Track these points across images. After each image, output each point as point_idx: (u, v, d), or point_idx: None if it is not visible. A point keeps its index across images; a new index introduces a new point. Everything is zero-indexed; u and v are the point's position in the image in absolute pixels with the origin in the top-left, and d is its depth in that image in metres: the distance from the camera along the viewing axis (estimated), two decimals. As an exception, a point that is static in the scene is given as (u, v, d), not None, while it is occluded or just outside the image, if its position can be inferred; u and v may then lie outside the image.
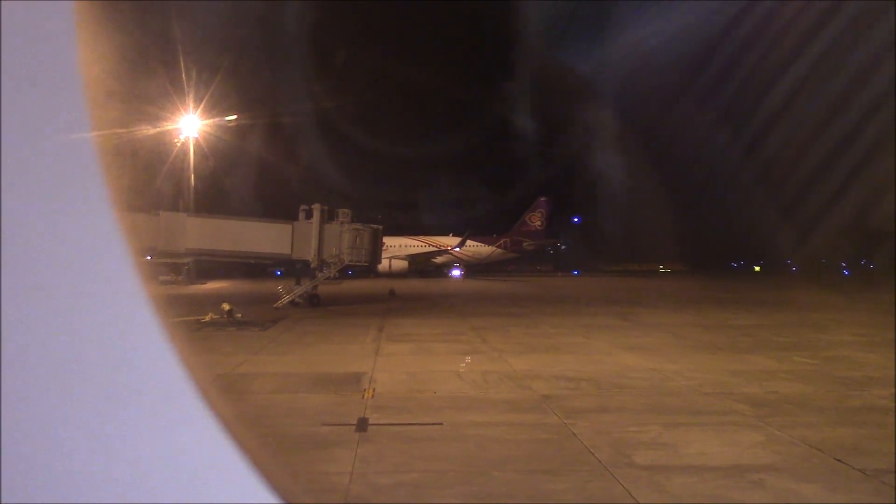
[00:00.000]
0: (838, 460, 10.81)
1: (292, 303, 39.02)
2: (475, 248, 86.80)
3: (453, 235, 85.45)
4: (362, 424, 12.88)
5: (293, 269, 44.58)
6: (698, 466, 10.57)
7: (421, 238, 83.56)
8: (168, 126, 48.14)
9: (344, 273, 45.58)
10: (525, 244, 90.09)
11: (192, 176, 52.27)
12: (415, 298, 49.44)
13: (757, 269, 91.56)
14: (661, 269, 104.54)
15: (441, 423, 13.13)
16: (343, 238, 39.44)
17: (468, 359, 21.32)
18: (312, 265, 39.74)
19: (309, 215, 39.42)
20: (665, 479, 9.86)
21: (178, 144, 49.23)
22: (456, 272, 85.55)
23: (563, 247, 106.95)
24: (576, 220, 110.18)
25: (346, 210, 40.18)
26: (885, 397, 15.68)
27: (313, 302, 39.51)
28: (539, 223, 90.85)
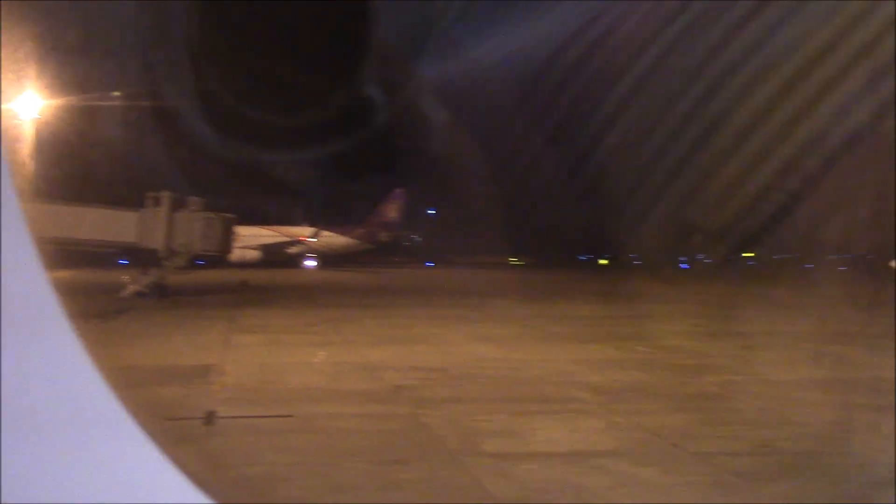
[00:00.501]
0: (674, 444, 11.39)
1: (138, 293, 37.41)
2: (330, 238, 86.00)
3: (308, 226, 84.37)
4: (210, 418, 12.54)
5: (140, 258, 42.79)
6: (544, 453, 10.89)
7: (275, 228, 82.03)
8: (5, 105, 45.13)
9: (194, 263, 44.17)
10: (380, 235, 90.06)
11: (30, 159, 49.38)
12: (267, 289, 48.60)
13: (603, 262, 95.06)
14: (514, 261, 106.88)
15: (292, 416, 12.97)
16: (193, 227, 38.20)
17: (321, 350, 21.16)
18: (161, 254, 38.29)
19: (158, 203, 37.97)
20: (512, 466, 10.10)
21: (21, 126, 46.34)
22: (310, 263, 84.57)
23: (418, 238, 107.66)
24: (431, 212, 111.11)
25: (196, 198, 38.94)
26: (716, 384, 16.64)
27: (161, 292, 38.00)
28: (394, 215, 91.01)
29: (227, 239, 40.80)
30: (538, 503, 8.89)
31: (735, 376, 17.77)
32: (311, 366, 18.26)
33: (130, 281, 38.32)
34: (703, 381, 17.02)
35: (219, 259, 46.94)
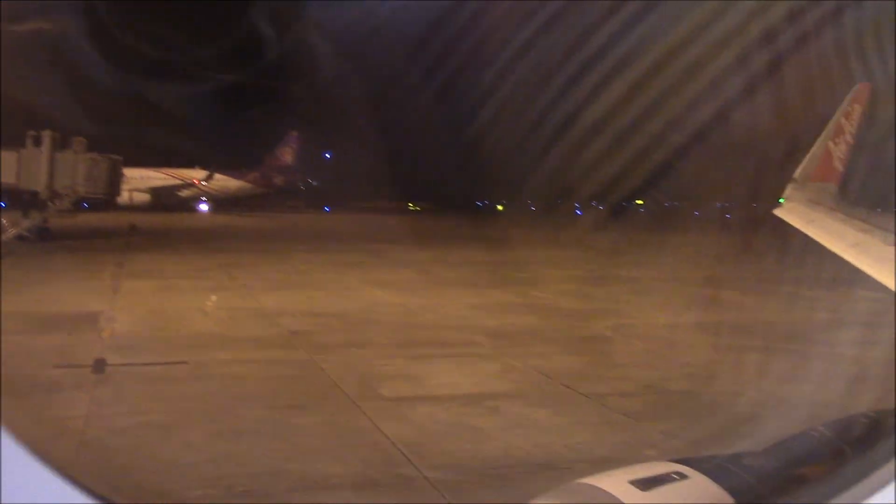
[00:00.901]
0: (566, 386, 11.73)
1: (20, 237, 35.72)
2: (223, 182, 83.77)
3: (200, 168, 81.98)
4: (99, 366, 12.19)
5: (20, 200, 40.78)
6: (440, 396, 11.05)
7: (165, 170, 79.36)
8: None
9: (79, 206, 42.39)
10: (276, 179, 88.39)
11: None
12: (158, 234, 47.22)
13: (500, 207, 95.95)
14: (411, 206, 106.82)
15: (185, 362, 12.74)
16: (77, 168, 36.59)
17: (214, 296, 20.78)
18: (42, 196, 36.59)
19: (38, 142, 36.15)
20: (409, 410, 10.22)
21: None
22: (203, 207, 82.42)
23: (314, 183, 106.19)
24: (327, 155, 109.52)
25: (80, 138, 37.20)
26: (607, 328, 17.17)
27: (44, 236, 36.36)
28: (290, 158, 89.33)
29: (113, 181, 39.29)
30: (435, 444, 9.03)
31: (625, 320, 18.35)
32: (204, 312, 17.93)
33: (10, 224, 36.55)
34: (595, 325, 17.53)
35: (105, 202, 45.15)
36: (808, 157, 13.11)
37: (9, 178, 35.47)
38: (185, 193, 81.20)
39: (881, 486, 1.57)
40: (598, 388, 11.72)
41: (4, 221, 37.22)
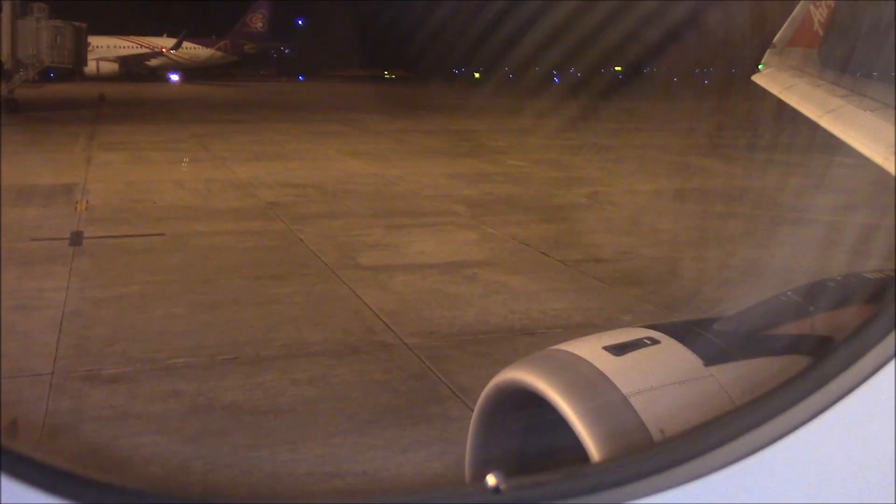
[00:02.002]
0: (543, 253, 11.88)
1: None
2: (193, 50, 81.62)
3: (168, 36, 79.59)
4: (76, 238, 12.17)
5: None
6: (418, 265, 11.18)
7: (132, 38, 76.99)
8: None
9: (45, 76, 41.30)
10: (246, 47, 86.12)
11: None
12: (128, 104, 46.24)
13: (477, 75, 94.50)
14: (386, 74, 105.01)
15: (163, 234, 12.75)
16: (41, 36, 35.42)
17: (188, 166, 20.60)
18: (6, 66, 35.53)
19: (-3, 9, 34.82)
20: (388, 278, 10.35)
21: None
22: (173, 76, 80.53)
23: (286, 50, 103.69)
24: (300, 22, 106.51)
25: (41, 4, 35.86)
26: (584, 195, 17.25)
27: (11, 107, 35.51)
28: (261, 25, 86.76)
29: (79, 50, 38.21)
30: (414, 312, 9.19)
31: (602, 187, 18.42)
32: (180, 183, 17.78)
33: (-25, 96, 35.65)
34: (572, 193, 17.60)
35: (72, 72, 44.06)
36: (787, 21, 12.90)
37: (-31, 49, 34.36)
38: (153, 62, 79.14)
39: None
40: (575, 254, 11.88)
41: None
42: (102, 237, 12.45)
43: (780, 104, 9.93)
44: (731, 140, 27.85)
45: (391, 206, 15.71)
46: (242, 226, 13.63)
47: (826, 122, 8.26)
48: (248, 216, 14.43)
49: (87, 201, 15.20)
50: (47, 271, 10.32)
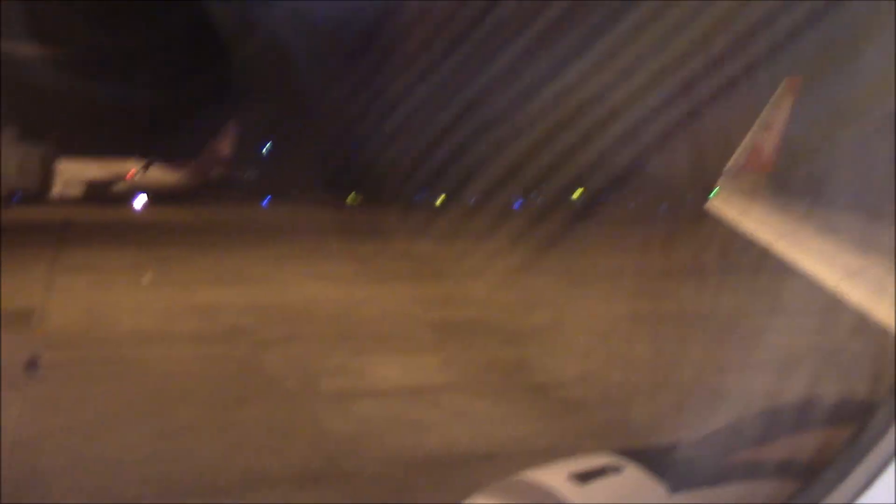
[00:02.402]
0: (507, 377, 11.84)
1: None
2: (160, 174, 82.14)
3: (136, 160, 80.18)
4: (32, 364, 11.90)
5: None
6: (381, 390, 11.07)
7: (100, 162, 77.46)
8: None
9: (10, 199, 41.27)
10: (213, 171, 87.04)
11: None
12: (93, 227, 46.13)
13: (440, 200, 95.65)
14: (350, 199, 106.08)
15: (122, 360, 12.53)
16: (8, 160, 35.64)
17: (151, 289, 20.45)
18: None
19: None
20: (350, 404, 10.23)
21: None
22: (140, 200, 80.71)
23: (252, 174, 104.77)
24: (267, 146, 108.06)
25: (10, 128, 36.21)
26: (547, 320, 17.33)
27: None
28: (228, 149, 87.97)
29: (46, 173, 38.38)
30: (375, 438, 9.05)
31: (563, 311, 18.54)
32: (141, 307, 17.59)
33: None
34: (535, 317, 17.69)
35: (38, 195, 44.04)
36: (740, 148, 13.45)
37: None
38: (120, 186, 79.43)
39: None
40: (538, 378, 11.85)
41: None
42: (59, 363, 12.20)
43: (735, 228, 10.22)
44: (688, 264, 28.37)
45: (354, 329, 15.64)
46: (204, 350, 13.45)
47: (780, 246, 8.51)
48: (210, 340, 14.26)
49: (45, 326, 14.94)
50: (2, 398, 10.04)
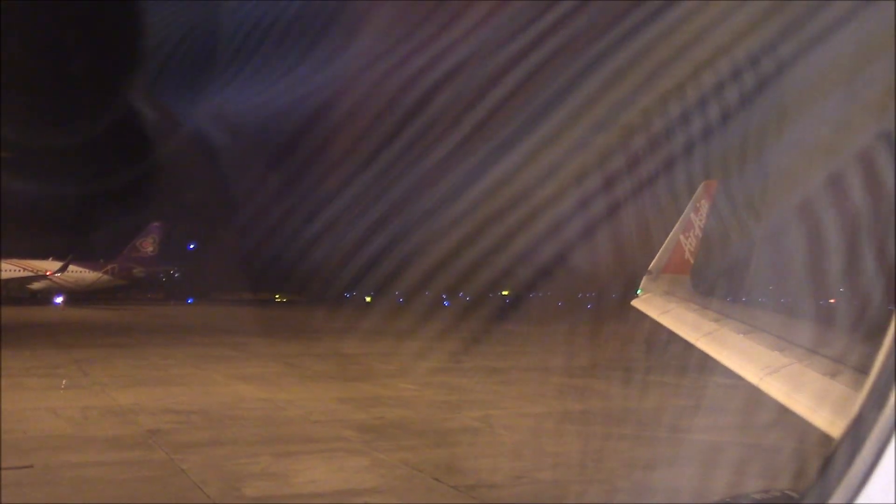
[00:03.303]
0: (436, 479, 11.63)
1: None
2: (79, 273, 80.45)
3: (54, 259, 78.48)
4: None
5: None
6: (307, 494, 10.75)
7: (16, 262, 75.56)
8: None
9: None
10: (135, 270, 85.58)
11: None
12: (7, 328, 44.60)
13: (368, 299, 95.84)
14: (277, 298, 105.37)
15: (31, 466, 11.92)
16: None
17: (64, 392, 19.71)
18: None
19: None
20: (274, 510, 9.89)
21: None
22: (58, 299, 78.63)
23: (176, 274, 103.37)
24: (191, 247, 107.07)
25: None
26: (476, 419, 17.22)
27: None
28: (151, 249, 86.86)
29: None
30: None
31: (493, 410, 18.47)
32: (54, 411, 16.90)
33: None
34: (464, 416, 17.56)
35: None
36: (661, 250, 13.82)
37: None
38: (37, 285, 77.40)
39: None
40: (469, 479, 11.68)
41: None
42: (-37, 471, 11.55)
43: (658, 327, 10.41)
44: (614, 362, 28.72)
45: (280, 432, 15.27)
46: (119, 455, 12.92)
47: (702, 345, 8.68)
48: (126, 445, 13.72)
49: (-50, 432, 14.20)
50: None
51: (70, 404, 18.00)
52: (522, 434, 15.81)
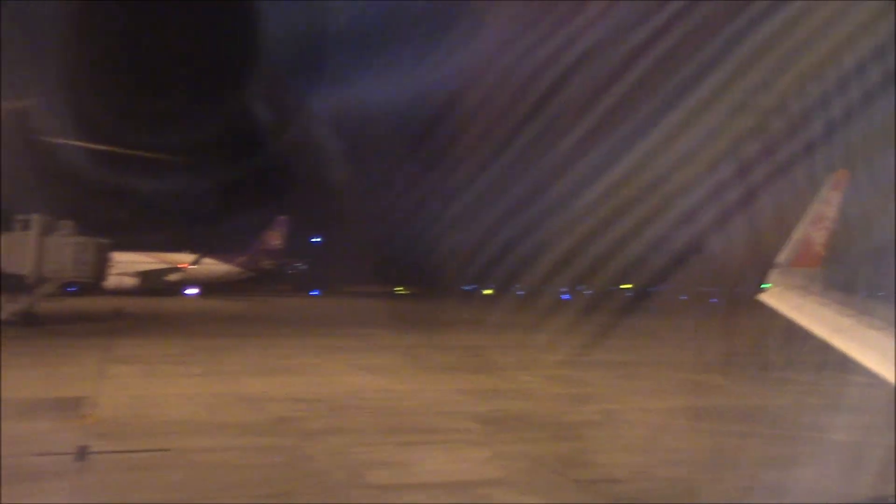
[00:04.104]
0: (557, 472, 11.57)
1: (6, 321, 35.43)
2: (211, 266, 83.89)
3: (189, 252, 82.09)
4: (81, 453, 11.98)
5: (7, 284, 40.64)
6: (429, 483, 10.87)
7: (154, 254, 79.46)
8: None
9: (66, 290, 42.30)
10: (264, 263, 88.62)
11: None
12: (145, 318, 46.97)
13: (488, 292, 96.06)
14: (399, 290, 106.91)
15: (168, 450, 12.53)
16: (65, 252, 36.59)
17: (198, 379, 20.62)
18: (29, 280, 36.51)
19: (26, 226, 36.21)
20: (396, 497, 10.05)
21: None
22: (191, 291, 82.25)
23: (302, 267, 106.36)
24: (316, 240, 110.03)
25: (68, 222, 37.34)
26: (597, 413, 17.03)
27: (30, 321, 36.07)
28: (278, 242, 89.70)
29: (101, 265, 39.26)
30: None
31: (614, 404, 18.22)
32: (188, 397, 17.71)
33: (-3, 308, 36.35)
34: (585, 410, 17.39)
35: (93, 286, 45.17)
36: (790, 243, 13.31)
37: (-4, 262, 35.43)
38: (172, 277, 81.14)
39: None
40: (590, 474, 11.57)
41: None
42: (108, 452, 12.24)
43: (788, 322, 10.02)
44: (741, 358, 27.80)
45: (402, 422, 15.51)
46: (250, 441, 13.42)
47: (837, 342, 8.32)
48: (256, 431, 14.23)
49: (95, 415, 15.07)
50: (47, 488, 10.08)
51: (203, 391, 18.81)
52: (644, 429, 15.53)
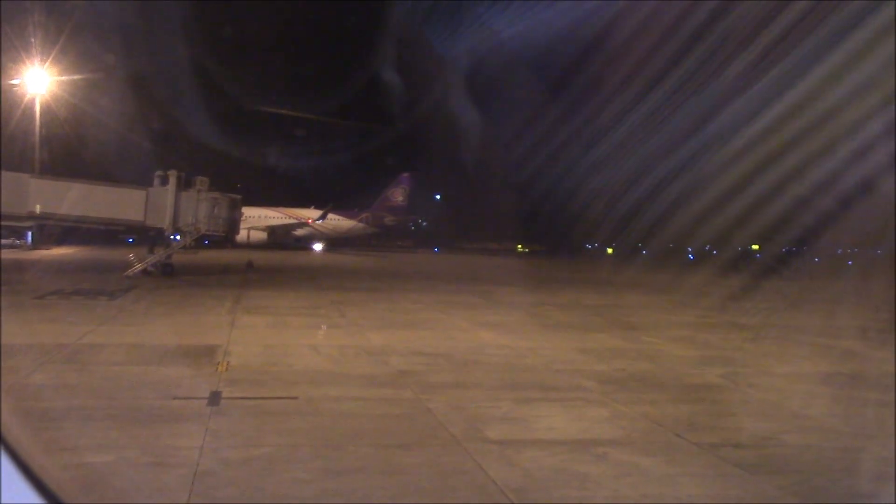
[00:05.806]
0: (677, 435, 11.38)
1: (144, 272, 37.45)
2: (336, 221, 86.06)
3: (315, 208, 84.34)
4: (215, 398, 12.58)
5: (146, 236, 42.86)
6: (547, 440, 10.89)
7: (281, 210, 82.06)
8: (12, 82, 45.38)
9: (200, 243, 44.24)
10: (386, 219, 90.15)
11: (38, 135, 49.40)
12: (273, 271, 48.65)
13: (610, 251, 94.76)
14: (520, 248, 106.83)
15: (296, 398, 12.99)
16: (200, 207, 38.22)
17: (324, 331, 21.25)
18: (167, 233, 38.39)
19: (164, 182, 37.95)
20: (515, 453, 10.11)
21: (24, 102, 46.42)
22: (317, 246, 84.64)
23: (424, 223, 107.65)
24: (437, 197, 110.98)
25: (203, 178, 38.90)
26: (720, 375, 16.61)
27: (167, 271, 38.09)
28: (401, 199, 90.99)
29: (233, 220, 40.84)
30: (541, 490, 8.90)
31: (739, 368, 17.73)
32: (315, 348, 18.29)
33: (136, 259, 38.41)
34: (708, 372, 17.00)
35: (225, 240, 47.07)
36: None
37: (137, 216, 37.35)
38: (299, 232, 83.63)
39: None
40: (712, 437, 11.33)
41: (132, 256, 39.22)
42: (239, 398, 12.80)
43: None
44: (883, 324, 26.46)
45: (521, 378, 15.57)
46: (372, 392, 13.76)
47: None
48: (378, 383, 14.58)
49: (227, 362, 15.77)
50: (183, 430, 10.63)
51: (329, 342, 19.38)
52: (770, 394, 15.06)
